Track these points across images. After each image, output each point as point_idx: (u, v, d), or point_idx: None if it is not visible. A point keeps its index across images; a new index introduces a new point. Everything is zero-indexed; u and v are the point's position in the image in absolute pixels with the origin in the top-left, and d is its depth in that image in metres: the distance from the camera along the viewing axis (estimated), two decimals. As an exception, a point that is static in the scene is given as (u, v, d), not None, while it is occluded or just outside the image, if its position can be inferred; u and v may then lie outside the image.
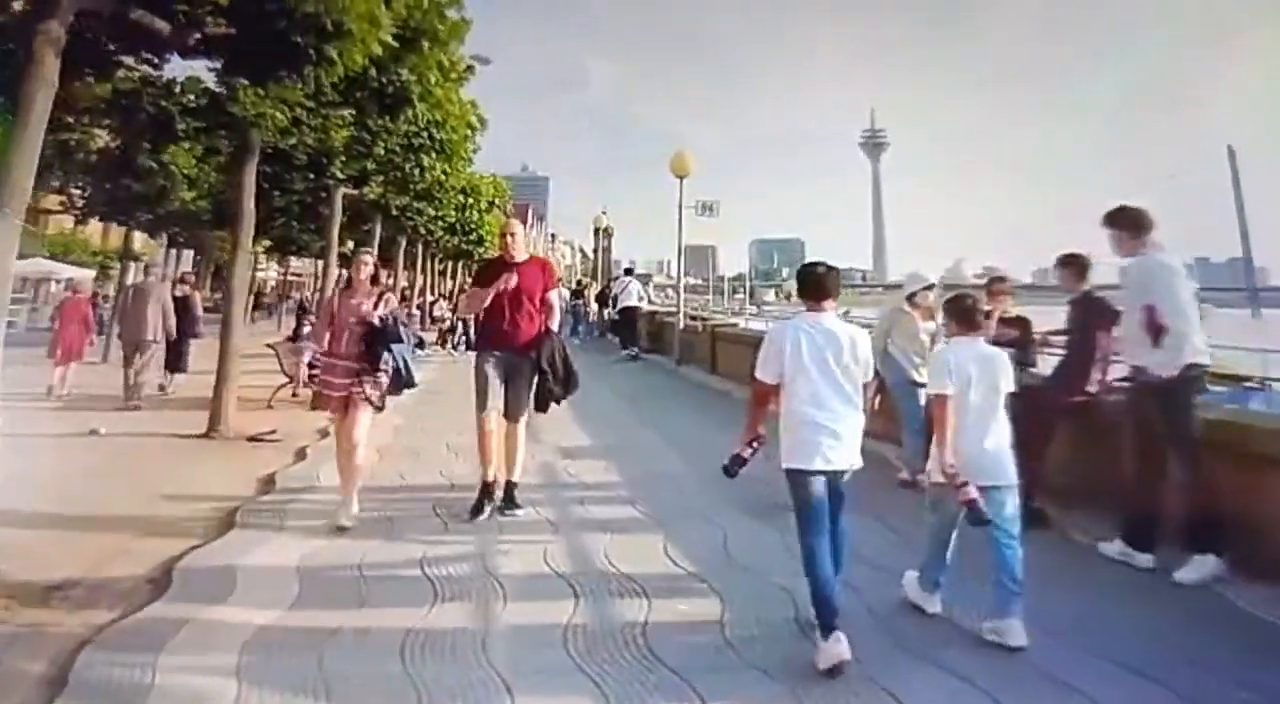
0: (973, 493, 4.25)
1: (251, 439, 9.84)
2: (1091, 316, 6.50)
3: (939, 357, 4.78)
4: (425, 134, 15.32)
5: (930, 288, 7.88)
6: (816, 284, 4.52)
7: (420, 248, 31.15)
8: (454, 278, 48.11)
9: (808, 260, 4.85)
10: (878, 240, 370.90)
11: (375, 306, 6.50)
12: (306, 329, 13.66)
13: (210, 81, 10.77)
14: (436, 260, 40.26)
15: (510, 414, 6.76)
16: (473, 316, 19.74)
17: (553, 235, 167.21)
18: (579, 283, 32.04)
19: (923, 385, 7.52)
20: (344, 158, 14.99)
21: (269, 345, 13.01)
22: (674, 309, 21.33)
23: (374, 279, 6.76)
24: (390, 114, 11.52)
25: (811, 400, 4.28)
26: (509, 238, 6.90)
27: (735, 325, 19.55)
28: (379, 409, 6.57)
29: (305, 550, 5.68)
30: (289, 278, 56.17)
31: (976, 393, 4.52)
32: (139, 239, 43.70)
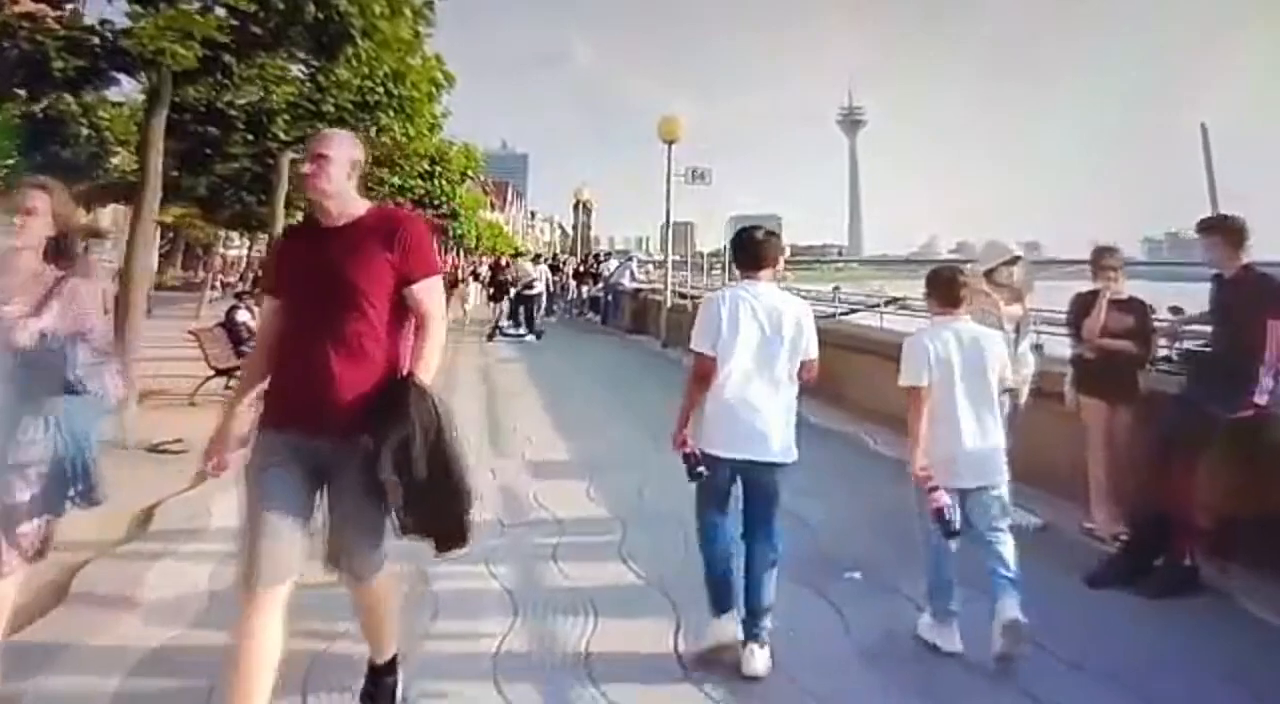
0: (943, 499, 3.84)
1: (153, 449, 8.07)
2: (1259, 300, 4.76)
3: (914, 341, 4.20)
4: (381, 89, 13.37)
5: (1015, 262, 6.10)
6: (754, 250, 4.07)
7: (389, 224, 29.12)
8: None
9: (746, 226, 4.30)
10: (854, 216, 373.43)
11: (38, 311, 3.11)
12: (242, 314, 11.74)
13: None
14: (409, 237, 38.23)
15: (346, 565, 3.10)
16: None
17: (532, 212, 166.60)
18: (554, 257, 30.34)
19: (1009, 390, 5.88)
20: (287, 117, 13.10)
21: (191, 332, 11.14)
22: (659, 286, 19.69)
23: (57, 252, 3.31)
24: (329, 54, 9.68)
25: (739, 379, 3.87)
26: (316, 166, 3.10)
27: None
28: (34, 557, 3.21)
29: (142, 653, 3.84)
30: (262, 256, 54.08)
31: (962, 381, 4.05)
32: (108, 216, 41.95)
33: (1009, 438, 5.90)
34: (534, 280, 20.11)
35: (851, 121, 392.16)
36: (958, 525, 3.83)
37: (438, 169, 23.58)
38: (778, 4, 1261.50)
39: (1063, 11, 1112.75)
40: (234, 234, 38.94)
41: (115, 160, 18.23)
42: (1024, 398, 5.98)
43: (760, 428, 3.85)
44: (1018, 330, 5.98)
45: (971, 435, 4.02)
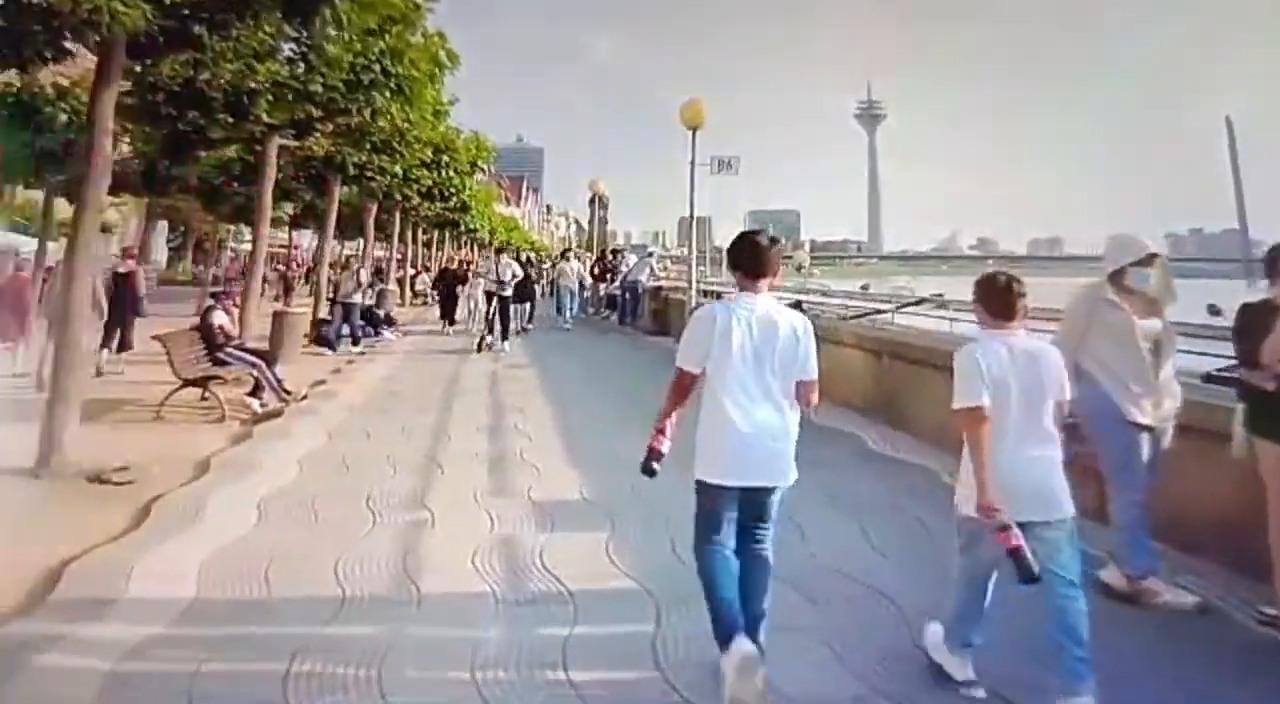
0: (1018, 539, 3.24)
1: (94, 478, 6.82)
2: None
3: (966, 356, 3.59)
4: (377, 67, 12.06)
5: (1151, 261, 4.73)
6: (753, 257, 3.72)
7: (397, 217, 27.74)
8: (440, 248, 44.68)
9: (747, 230, 3.95)
10: (873, 211, 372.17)
11: None
12: (218, 317, 10.45)
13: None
14: (420, 230, 37.08)
15: None
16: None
17: (548, 206, 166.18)
18: (564, 252, 28.68)
19: (1147, 428, 4.56)
20: (271, 98, 11.79)
21: (156, 337, 9.86)
22: (681, 283, 18.35)
23: None
24: (304, 17, 8.38)
25: (733, 400, 3.53)
26: None
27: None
28: None
29: None
30: (278, 249, 53.03)
31: (1018, 403, 3.48)
32: (114, 210, 40.85)
33: (1150, 488, 4.65)
34: (507, 281, 16.75)
35: (871, 116, 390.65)
36: (1039, 568, 3.24)
37: (444, 158, 22.16)
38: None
39: (1084, 4, 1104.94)
40: (246, 228, 37.76)
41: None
42: (1168, 438, 4.65)
43: (763, 452, 3.55)
44: (1157, 351, 4.65)
45: (1030, 462, 3.47)
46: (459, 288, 20.17)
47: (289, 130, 13.06)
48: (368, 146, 16.70)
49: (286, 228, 43.16)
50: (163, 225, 49.14)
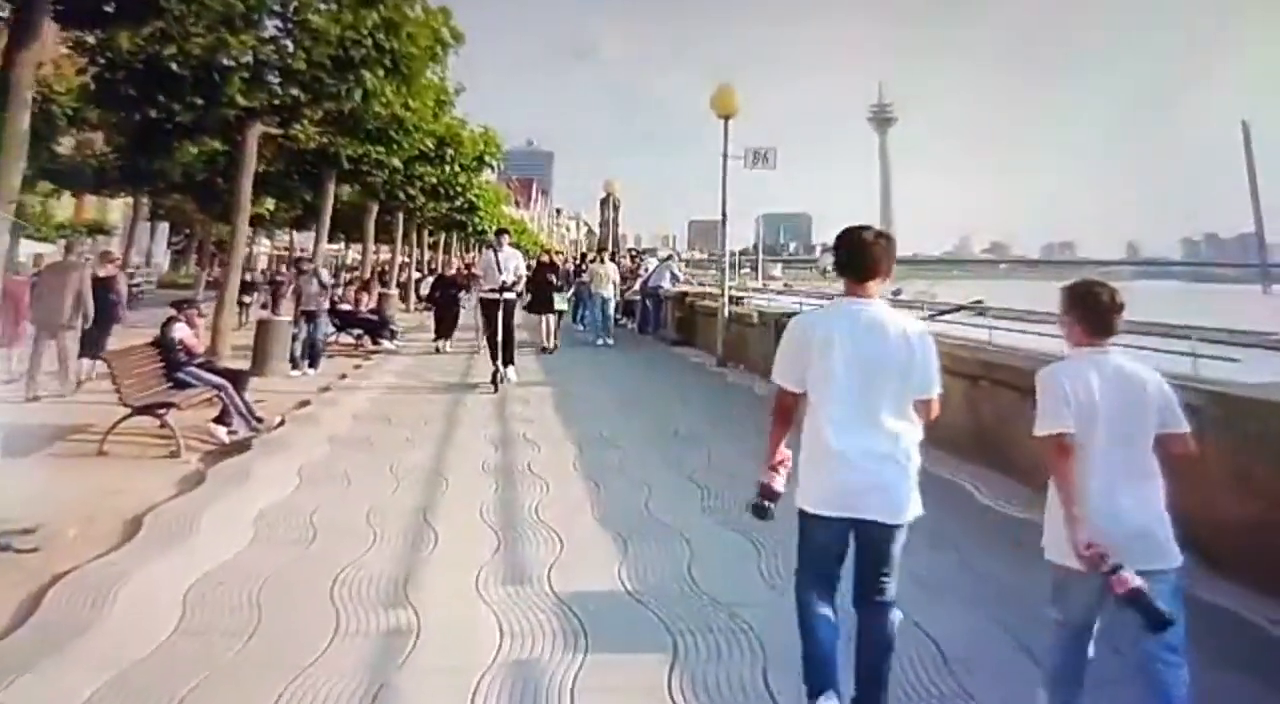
0: (1135, 580, 2.72)
1: (-10, 547, 5.31)
2: None
3: (1051, 378, 3.10)
4: (369, 42, 10.46)
5: None
6: (860, 256, 3.21)
7: (400, 217, 26.11)
8: (447, 251, 43.16)
9: (853, 225, 3.36)
10: (885, 215, 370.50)
11: None
12: (179, 330, 8.79)
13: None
14: (426, 233, 35.61)
15: None
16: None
17: (558, 210, 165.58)
18: (583, 256, 26.71)
19: None
20: (247, 76, 10.22)
21: (102, 357, 8.28)
22: (709, 290, 16.73)
23: None
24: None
25: (834, 420, 3.09)
26: None
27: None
28: None
29: None
30: (282, 252, 51.74)
31: (1105, 431, 2.99)
32: (118, 210, 39.53)
33: None
34: (510, 282, 11.91)
35: (882, 119, 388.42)
36: (1168, 611, 2.68)
37: (448, 152, 20.45)
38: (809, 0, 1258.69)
39: (1096, 5, 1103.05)
40: (250, 230, 36.24)
41: (66, 140, 15.40)
42: None
43: (869, 480, 3.03)
44: None
45: (1123, 501, 2.93)
46: (460, 297, 17.76)
47: (271, 116, 11.48)
48: (362, 136, 15.03)
49: (288, 230, 41.92)
50: (164, 227, 47.87)
